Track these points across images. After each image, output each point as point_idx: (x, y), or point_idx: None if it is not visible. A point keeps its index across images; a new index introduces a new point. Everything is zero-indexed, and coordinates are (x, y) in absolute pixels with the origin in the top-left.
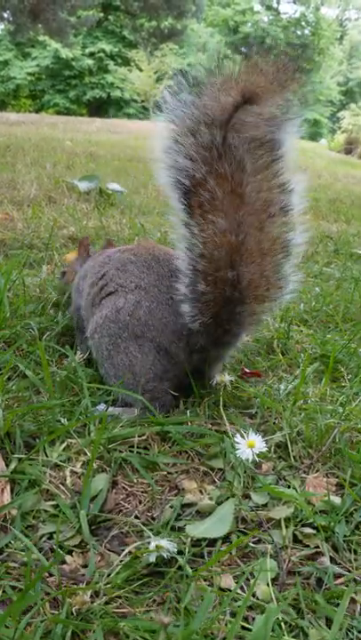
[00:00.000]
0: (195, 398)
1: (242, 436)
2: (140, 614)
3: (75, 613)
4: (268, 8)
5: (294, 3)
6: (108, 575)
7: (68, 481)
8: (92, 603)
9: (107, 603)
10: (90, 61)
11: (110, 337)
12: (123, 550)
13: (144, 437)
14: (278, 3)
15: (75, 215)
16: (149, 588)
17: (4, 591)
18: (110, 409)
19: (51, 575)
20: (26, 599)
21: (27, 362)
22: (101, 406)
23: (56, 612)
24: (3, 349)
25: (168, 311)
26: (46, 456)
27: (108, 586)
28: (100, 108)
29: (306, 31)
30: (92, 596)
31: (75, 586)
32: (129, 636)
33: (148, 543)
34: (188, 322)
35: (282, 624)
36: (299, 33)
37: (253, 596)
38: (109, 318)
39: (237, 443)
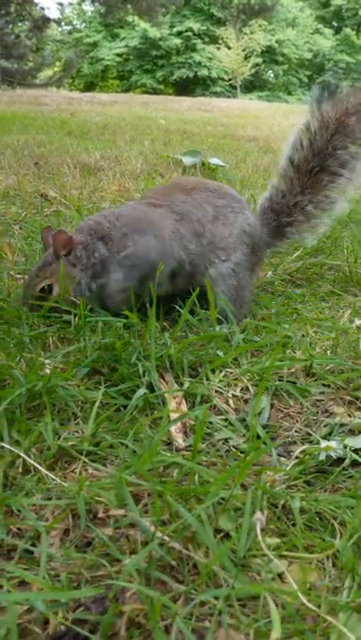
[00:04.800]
0: (333, 341)
1: None
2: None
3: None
4: None
5: None
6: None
7: (231, 402)
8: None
9: (287, 488)
10: (177, 40)
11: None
12: (289, 454)
13: (292, 370)
14: None
15: None
16: (320, 481)
17: (199, 475)
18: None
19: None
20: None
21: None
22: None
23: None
24: None
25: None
26: (208, 381)
27: (286, 476)
28: (187, 87)
29: None
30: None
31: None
32: (311, 509)
33: (317, 445)
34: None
35: None
36: None
37: None
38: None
39: None
